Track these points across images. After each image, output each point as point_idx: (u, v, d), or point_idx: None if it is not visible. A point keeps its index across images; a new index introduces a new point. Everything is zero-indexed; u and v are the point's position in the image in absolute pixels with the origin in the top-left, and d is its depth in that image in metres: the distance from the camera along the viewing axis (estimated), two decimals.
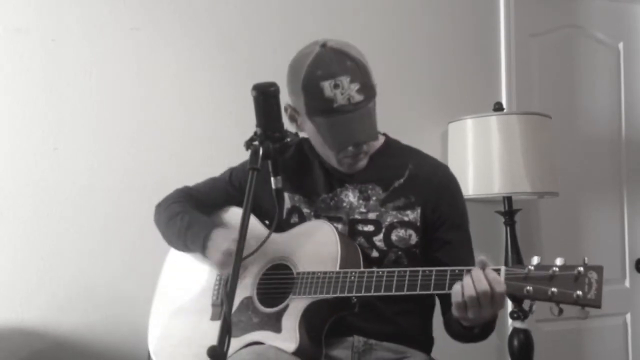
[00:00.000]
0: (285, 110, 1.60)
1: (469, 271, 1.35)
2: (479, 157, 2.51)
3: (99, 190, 2.27)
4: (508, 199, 2.58)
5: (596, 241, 3.02)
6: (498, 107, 2.60)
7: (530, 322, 2.58)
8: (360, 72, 1.50)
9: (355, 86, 1.48)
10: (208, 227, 1.63)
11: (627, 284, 3.10)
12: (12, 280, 2.17)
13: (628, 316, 3.09)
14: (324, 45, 1.52)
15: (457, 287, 1.34)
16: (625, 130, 3.14)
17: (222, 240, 1.56)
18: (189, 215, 1.70)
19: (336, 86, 1.47)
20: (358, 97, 1.48)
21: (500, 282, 1.30)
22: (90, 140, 2.28)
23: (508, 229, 2.59)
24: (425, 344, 1.67)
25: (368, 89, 1.51)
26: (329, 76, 1.47)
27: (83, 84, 2.28)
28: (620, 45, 3.17)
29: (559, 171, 2.62)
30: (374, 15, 2.68)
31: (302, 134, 1.62)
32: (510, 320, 2.62)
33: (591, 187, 3.04)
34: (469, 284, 1.32)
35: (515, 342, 2.55)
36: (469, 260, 1.60)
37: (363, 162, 1.62)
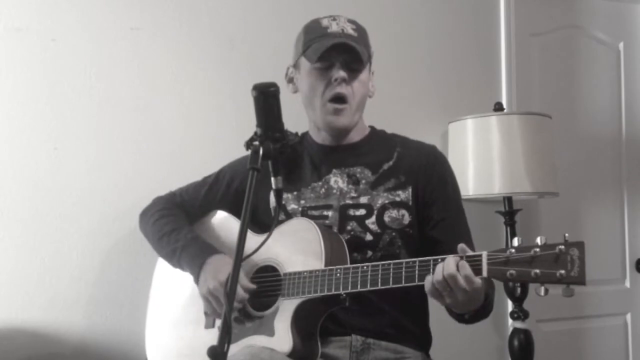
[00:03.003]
0: (286, 74, 1.72)
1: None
2: (479, 157, 2.51)
3: (99, 190, 2.27)
4: (508, 199, 2.58)
5: (596, 241, 3.02)
6: (498, 107, 2.60)
7: (530, 322, 2.58)
8: (358, 27, 1.64)
9: (351, 25, 1.63)
10: (203, 255, 1.62)
11: (627, 284, 3.09)
12: (12, 280, 2.17)
13: (628, 316, 3.09)
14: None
15: (428, 277, 1.36)
16: (625, 130, 3.14)
17: (213, 275, 1.55)
18: (182, 234, 1.69)
19: (334, 19, 1.62)
20: (351, 31, 1.61)
21: (464, 265, 1.31)
22: (90, 140, 2.27)
23: (508, 229, 2.59)
24: (423, 341, 1.67)
25: (362, 37, 1.63)
26: (330, 15, 1.65)
27: (83, 84, 2.27)
28: (621, 45, 3.17)
29: (559, 171, 2.62)
30: (374, 15, 2.68)
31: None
32: (510, 320, 2.62)
33: (591, 187, 3.05)
34: (438, 270, 1.33)
35: (516, 342, 2.55)
36: (465, 236, 1.63)
37: (346, 119, 1.63)
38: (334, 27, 1.60)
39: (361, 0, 2.66)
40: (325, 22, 1.62)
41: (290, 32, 2.51)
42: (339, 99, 1.60)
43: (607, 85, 3.12)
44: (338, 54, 1.58)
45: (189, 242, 1.67)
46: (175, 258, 1.67)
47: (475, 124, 2.54)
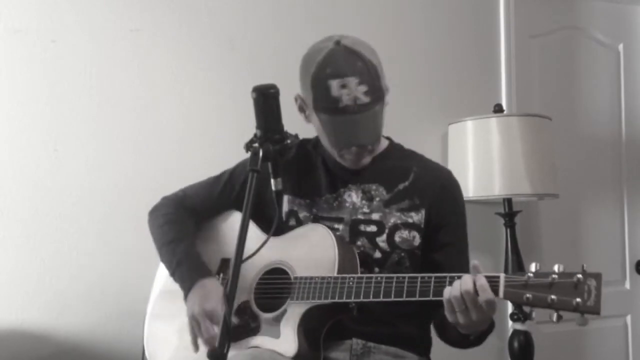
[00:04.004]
0: (295, 100, 1.62)
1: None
2: (479, 159, 2.51)
3: (99, 191, 2.27)
4: (508, 201, 2.58)
5: (596, 243, 3.02)
6: (498, 109, 2.60)
7: (530, 324, 2.58)
8: (369, 74, 1.50)
9: (363, 88, 1.48)
10: (195, 276, 1.60)
11: (627, 285, 3.10)
12: (12, 281, 2.17)
13: (628, 318, 3.09)
14: (337, 43, 1.50)
15: (446, 289, 1.34)
16: (625, 131, 3.14)
17: (201, 299, 1.54)
18: (182, 246, 1.68)
19: (343, 86, 1.47)
20: (364, 99, 1.48)
21: (486, 289, 1.30)
22: (90, 140, 2.28)
23: (508, 230, 2.58)
24: (423, 346, 1.67)
25: (376, 91, 1.51)
26: (337, 75, 1.47)
27: (83, 84, 2.28)
28: (620, 47, 3.17)
29: (559, 172, 2.62)
30: (374, 16, 2.68)
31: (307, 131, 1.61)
32: (510, 322, 2.62)
33: (591, 189, 3.05)
34: (456, 287, 1.32)
35: (516, 344, 2.55)
36: (464, 264, 1.61)
37: (366, 160, 1.62)
38: (345, 100, 1.47)
39: (361, 2, 2.67)
40: (334, 91, 1.47)
41: (290, 32, 2.54)
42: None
43: (606, 87, 3.13)
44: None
45: (184, 258, 1.65)
46: (170, 270, 1.68)
47: (475, 125, 2.54)
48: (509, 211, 2.58)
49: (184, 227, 1.74)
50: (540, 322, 2.77)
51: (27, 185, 2.21)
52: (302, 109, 1.62)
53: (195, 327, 1.54)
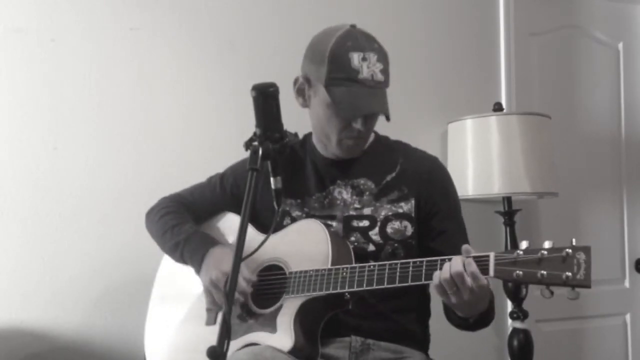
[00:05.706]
0: (295, 82, 1.64)
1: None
2: (479, 158, 2.51)
3: (99, 190, 2.27)
4: (508, 199, 2.58)
5: (596, 241, 2.95)
6: (497, 107, 2.60)
7: (530, 322, 2.59)
8: (384, 57, 1.58)
9: (380, 66, 1.55)
10: (206, 246, 1.63)
11: (626, 284, 3.10)
12: (11, 280, 2.17)
13: (628, 316, 3.09)
14: (354, 26, 1.59)
15: (436, 273, 1.36)
16: (625, 130, 3.14)
17: (215, 265, 1.57)
18: (185, 227, 1.71)
19: (364, 59, 1.53)
20: (380, 77, 1.54)
21: (477, 276, 1.32)
22: (90, 140, 2.28)
23: (508, 229, 2.59)
24: (422, 342, 1.68)
25: (387, 75, 1.58)
26: (359, 49, 1.53)
27: (83, 84, 2.28)
28: (620, 45, 3.17)
29: (559, 171, 2.62)
30: (374, 15, 2.69)
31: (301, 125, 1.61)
32: (509, 321, 2.62)
33: (591, 187, 3.05)
34: (446, 269, 1.34)
35: (515, 343, 2.56)
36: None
37: (360, 147, 1.65)
38: (365, 72, 1.51)
39: (361, 1, 2.67)
40: (355, 62, 1.51)
41: (290, 32, 2.54)
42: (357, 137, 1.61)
43: (606, 86, 3.13)
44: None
45: (191, 235, 1.68)
46: (177, 251, 1.68)
47: (474, 124, 2.54)
48: (508, 210, 2.58)
49: (185, 216, 1.76)
50: (539, 321, 2.78)
51: (27, 185, 2.21)
52: (300, 92, 1.64)
53: (215, 292, 1.56)
